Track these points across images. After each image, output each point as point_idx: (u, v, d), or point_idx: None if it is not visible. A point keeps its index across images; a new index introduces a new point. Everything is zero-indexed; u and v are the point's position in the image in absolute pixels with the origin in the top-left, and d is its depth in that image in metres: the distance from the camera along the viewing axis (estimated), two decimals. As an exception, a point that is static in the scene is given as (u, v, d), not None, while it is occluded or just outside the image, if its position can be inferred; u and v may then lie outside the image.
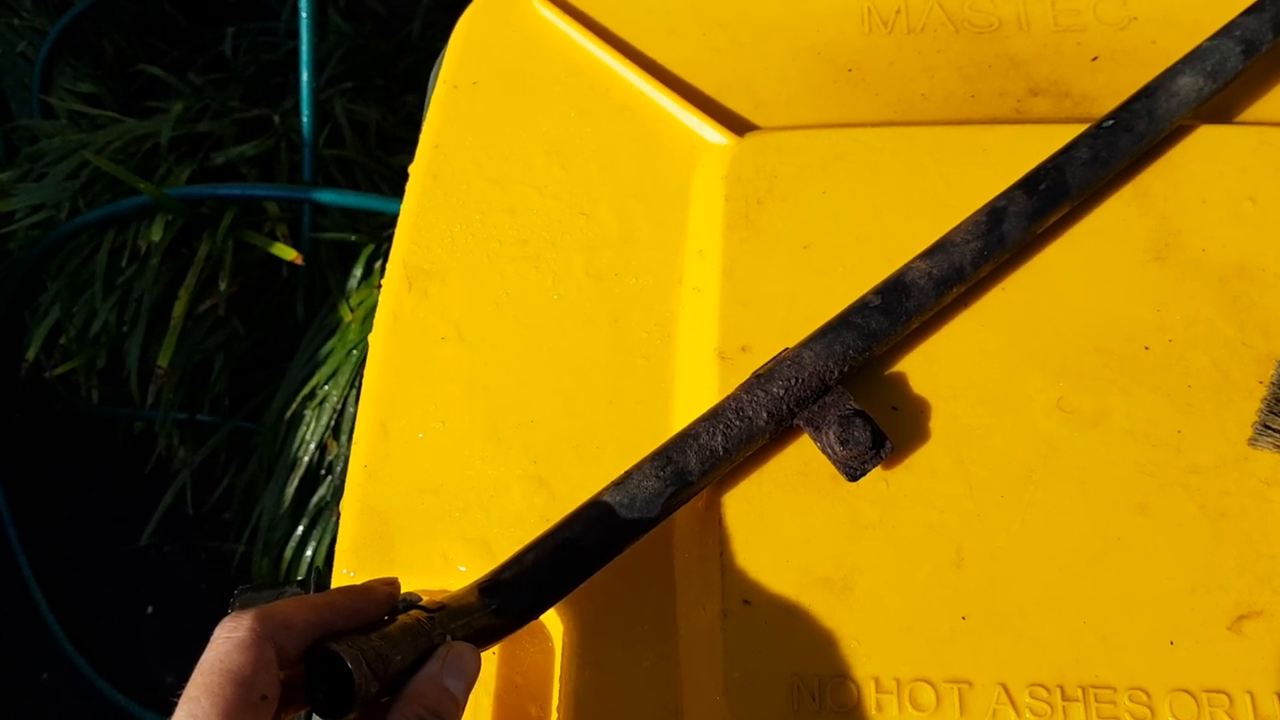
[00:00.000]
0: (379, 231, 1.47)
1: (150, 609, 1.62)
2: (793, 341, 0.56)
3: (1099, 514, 0.52)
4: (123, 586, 1.64)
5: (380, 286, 0.65)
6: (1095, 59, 0.68)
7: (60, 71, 1.85)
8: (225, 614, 0.42)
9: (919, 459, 0.54)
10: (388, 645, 0.42)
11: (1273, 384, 0.54)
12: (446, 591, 0.49)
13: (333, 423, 1.38)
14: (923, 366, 0.57)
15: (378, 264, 1.42)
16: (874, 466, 0.53)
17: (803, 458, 0.55)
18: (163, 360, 1.42)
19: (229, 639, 0.40)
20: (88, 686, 1.54)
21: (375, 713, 0.41)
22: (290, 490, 1.38)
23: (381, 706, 0.41)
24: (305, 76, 1.40)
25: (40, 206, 1.58)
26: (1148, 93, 0.61)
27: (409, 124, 1.70)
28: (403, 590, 0.47)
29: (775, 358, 0.55)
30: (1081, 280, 0.58)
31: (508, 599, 0.49)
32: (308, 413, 1.39)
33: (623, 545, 0.52)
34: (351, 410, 1.36)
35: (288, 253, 1.42)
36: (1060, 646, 0.50)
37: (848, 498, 0.54)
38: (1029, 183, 0.58)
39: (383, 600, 0.45)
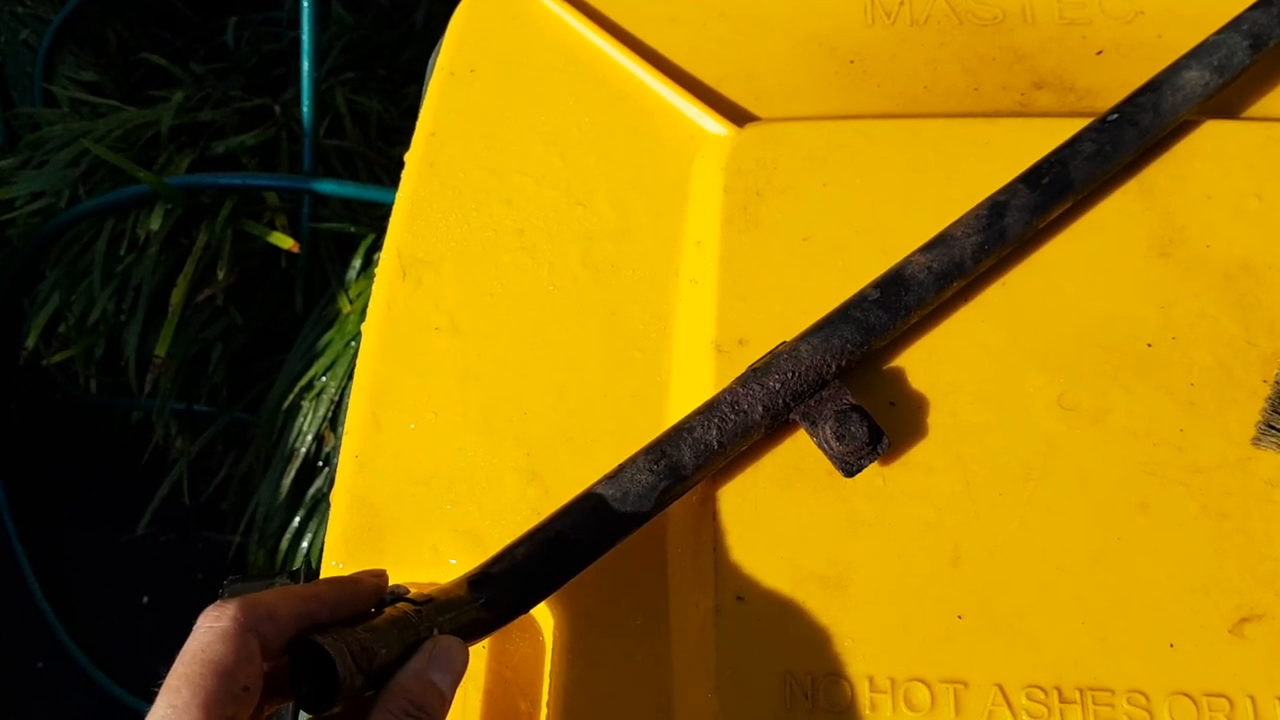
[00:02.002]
0: (379, 223, 1.47)
1: (146, 599, 1.62)
2: (790, 335, 0.55)
3: (1099, 513, 0.51)
4: (119, 576, 1.64)
5: (378, 277, 0.64)
6: (1100, 52, 0.67)
7: (62, 60, 1.84)
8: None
9: (916, 455, 0.54)
10: (373, 638, 0.41)
11: (1277, 383, 0.54)
12: (436, 584, 0.48)
13: (330, 414, 1.37)
14: (921, 362, 0.56)
15: (377, 255, 1.41)
16: (870, 462, 0.52)
17: (799, 453, 0.54)
18: (161, 350, 1.41)
19: (212, 628, 0.39)
20: (83, 675, 1.54)
21: (360, 707, 0.41)
22: (287, 481, 1.38)
23: (366, 700, 0.41)
24: (307, 67, 1.40)
25: (40, 194, 1.57)
26: (1153, 87, 0.60)
27: (411, 115, 1.68)
28: (391, 582, 0.47)
29: (772, 351, 0.55)
30: (1084, 276, 0.57)
31: (497, 592, 0.48)
32: (305, 404, 1.39)
33: (615, 539, 0.51)
34: (349, 401, 1.36)
35: (285, 242, 1.41)
36: (1058, 647, 0.49)
37: (844, 494, 0.53)
38: (1031, 177, 0.58)
39: (370, 592, 0.45)
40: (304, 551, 1.36)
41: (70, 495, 1.71)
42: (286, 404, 1.39)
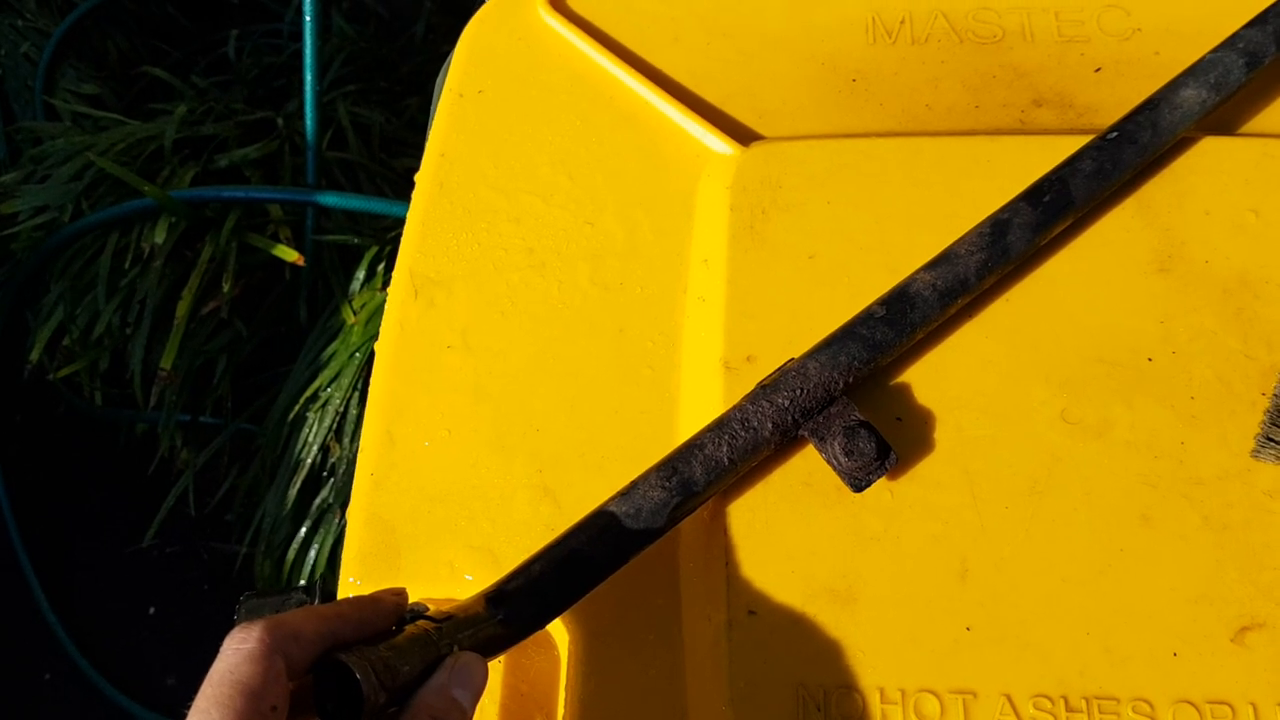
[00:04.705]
0: (382, 234, 1.48)
1: (152, 610, 1.62)
2: (798, 352, 0.56)
3: (1102, 525, 0.52)
4: (125, 587, 1.64)
5: (383, 290, 0.65)
6: (1099, 70, 0.68)
7: (63, 73, 1.85)
8: (230, 619, 0.43)
9: (923, 470, 0.55)
10: (396, 656, 0.42)
11: (1275, 395, 0.55)
12: (453, 600, 0.49)
13: (335, 425, 1.38)
14: (927, 378, 0.57)
15: (380, 267, 1.42)
16: (879, 477, 0.53)
17: (808, 468, 0.55)
18: (166, 362, 1.42)
19: (238, 650, 0.40)
20: (89, 687, 1.54)
21: (384, 723, 0.41)
22: (293, 492, 1.39)
23: (390, 717, 0.42)
24: (309, 79, 1.41)
25: (44, 208, 1.58)
26: (1151, 104, 0.61)
27: (412, 126, 1.70)
28: (410, 600, 0.48)
29: (780, 368, 0.56)
30: (1085, 292, 0.58)
31: (514, 609, 0.49)
32: (310, 415, 1.39)
33: (629, 555, 0.52)
34: (354, 412, 1.36)
35: (289, 254, 1.42)
36: (1064, 657, 0.50)
37: (852, 508, 0.54)
38: (1033, 194, 0.59)
39: (390, 611, 0.46)
40: (310, 562, 1.36)
41: (76, 507, 1.71)
42: (292, 415, 1.40)
